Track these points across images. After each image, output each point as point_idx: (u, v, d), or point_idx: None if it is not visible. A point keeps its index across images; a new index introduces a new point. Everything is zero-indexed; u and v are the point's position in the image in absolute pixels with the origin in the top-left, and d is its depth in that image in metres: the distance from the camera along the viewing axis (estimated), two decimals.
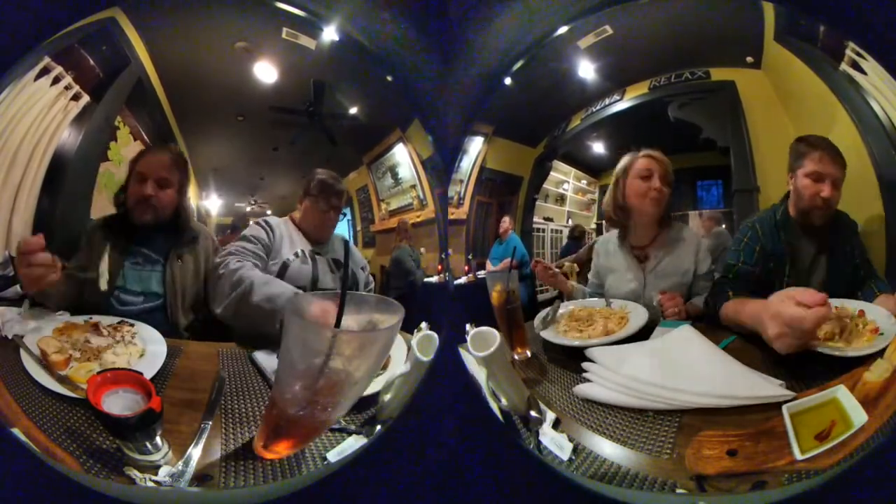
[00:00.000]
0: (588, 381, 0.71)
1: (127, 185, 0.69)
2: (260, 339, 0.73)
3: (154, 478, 0.61)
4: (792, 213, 0.70)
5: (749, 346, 0.68)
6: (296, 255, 0.76)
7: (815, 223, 0.69)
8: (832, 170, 0.67)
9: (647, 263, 0.78)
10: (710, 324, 0.73)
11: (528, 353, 0.79)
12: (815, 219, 0.69)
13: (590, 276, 0.82)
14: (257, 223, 0.75)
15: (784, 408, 0.62)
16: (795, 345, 0.63)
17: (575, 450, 0.67)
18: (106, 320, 0.69)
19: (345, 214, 0.79)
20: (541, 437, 0.70)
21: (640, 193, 0.76)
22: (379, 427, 0.71)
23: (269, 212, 0.77)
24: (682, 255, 0.76)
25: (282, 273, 0.75)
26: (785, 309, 0.63)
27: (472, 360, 0.73)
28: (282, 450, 0.64)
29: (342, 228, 0.80)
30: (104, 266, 0.69)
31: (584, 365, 0.73)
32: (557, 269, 0.81)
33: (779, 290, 0.67)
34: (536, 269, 0.81)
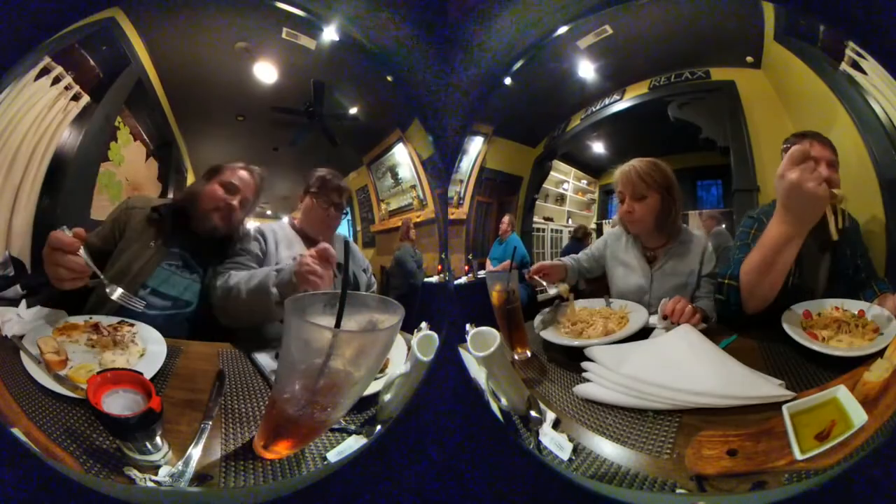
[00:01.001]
0: (588, 380, 0.71)
1: (200, 185, 0.69)
2: (260, 339, 0.73)
3: (154, 478, 0.61)
4: None
5: (749, 347, 0.68)
6: (293, 259, 0.76)
7: None
8: (824, 152, 0.66)
9: (655, 263, 0.78)
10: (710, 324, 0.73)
11: (528, 353, 0.79)
12: None
13: (590, 250, 0.81)
14: (252, 235, 0.75)
15: (784, 408, 0.62)
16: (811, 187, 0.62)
17: (575, 450, 0.67)
18: (106, 320, 0.69)
19: (346, 213, 0.79)
20: (541, 437, 0.70)
21: (623, 217, 0.77)
22: (379, 427, 0.71)
23: (269, 212, 0.77)
24: (688, 257, 0.76)
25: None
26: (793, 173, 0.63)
27: (472, 360, 0.73)
28: (282, 450, 0.64)
29: (342, 229, 0.80)
30: (138, 258, 0.68)
31: (584, 365, 0.73)
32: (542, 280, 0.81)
33: (782, 290, 0.67)
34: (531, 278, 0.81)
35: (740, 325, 0.71)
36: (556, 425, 0.70)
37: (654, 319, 0.74)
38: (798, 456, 0.59)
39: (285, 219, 0.78)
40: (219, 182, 0.69)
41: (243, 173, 0.70)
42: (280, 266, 0.72)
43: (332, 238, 0.79)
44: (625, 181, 0.76)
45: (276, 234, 0.77)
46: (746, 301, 0.69)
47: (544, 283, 0.80)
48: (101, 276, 0.64)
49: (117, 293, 0.65)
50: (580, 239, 0.82)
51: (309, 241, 0.78)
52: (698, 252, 0.76)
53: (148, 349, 0.69)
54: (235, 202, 0.70)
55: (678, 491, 0.61)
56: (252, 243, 0.75)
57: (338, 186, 0.77)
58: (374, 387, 0.68)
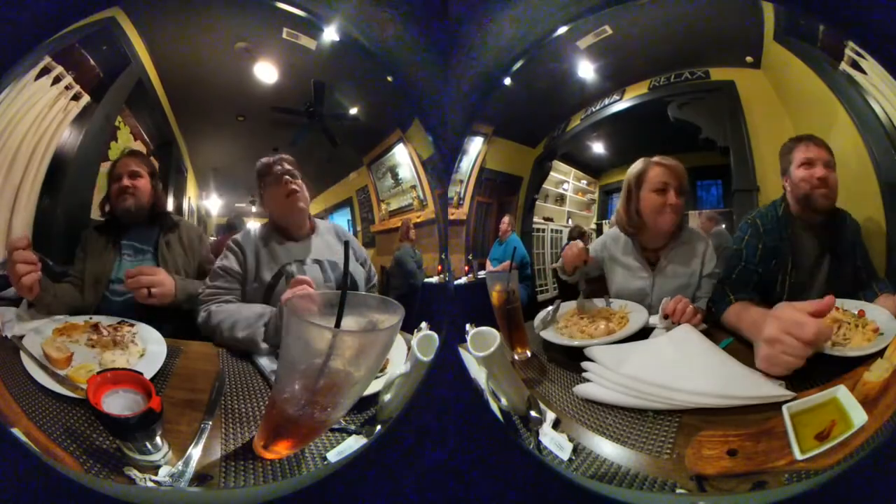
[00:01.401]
0: (588, 380, 0.71)
1: (109, 193, 0.71)
2: None
3: (154, 478, 0.61)
4: (793, 208, 0.69)
5: (749, 346, 0.68)
6: (277, 273, 0.75)
7: (818, 209, 0.68)
8: (821, 153, 0.67)
9: (657, 265, 0.77)
10: (711, 324, 0.73)
11: (528, 353, 0.79)
12: (817, 205, 0.68)
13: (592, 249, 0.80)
14: (227, 247, 0.74)
15: (784, 408, 0.62)
16: (785, 360, 0.63)
17: (575, 450, 0.67)
18: (106, 320, 0.69)
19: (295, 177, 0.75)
20: (541, 437, 0.70)
21: (657, 209, 0.75)
22: (379, 427, 0.71)
23: (254, 210, 0.76)
24: (690, 258, 0.76)
25: (270, 289, 0.75)
26: (786, 313, 0.63)
27: (472, 360, 0.73)
28: (282, 450, 0.64)
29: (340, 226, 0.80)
30: (98, 262, 0.71)
31: (584, 364, 0.73)
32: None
33: (781, 290, 0.68)
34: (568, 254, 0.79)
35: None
36: (556, 425, 0.70)
37: (654, 319, 0.74)
38: (798, 456, 0.59)
39: (257, 224, 0.76)
40: (113, 181, 0.71)
41: (119, 162, 0.72)
42: (264, 316, 0.72)
43: (316, 228, 0.78)
44: (678, 174, 0.74)
45: (254, 243, 0.75)
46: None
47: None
48: (50, 263, 0.68)
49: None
50: (575, 239, 0.81)
51: (284, 234, 0.76)
52: (700, 252, 0.75)
53: (148, 349, 0.69)
54: (126, 182, 0.71)
55: (678, 491, 0.61)
56: (230, 258, 0.74)
57: (275, 160, 0.73)
58: (374, 387, 0.68)
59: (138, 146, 0.71)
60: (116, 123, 0.70)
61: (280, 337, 0.64)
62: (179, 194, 0.73)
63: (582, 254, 0.79)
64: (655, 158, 0.74)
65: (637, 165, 0.75)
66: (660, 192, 0.74)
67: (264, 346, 0.71)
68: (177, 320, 0.72)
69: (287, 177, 0.74)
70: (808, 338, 0.62)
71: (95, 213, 0.71)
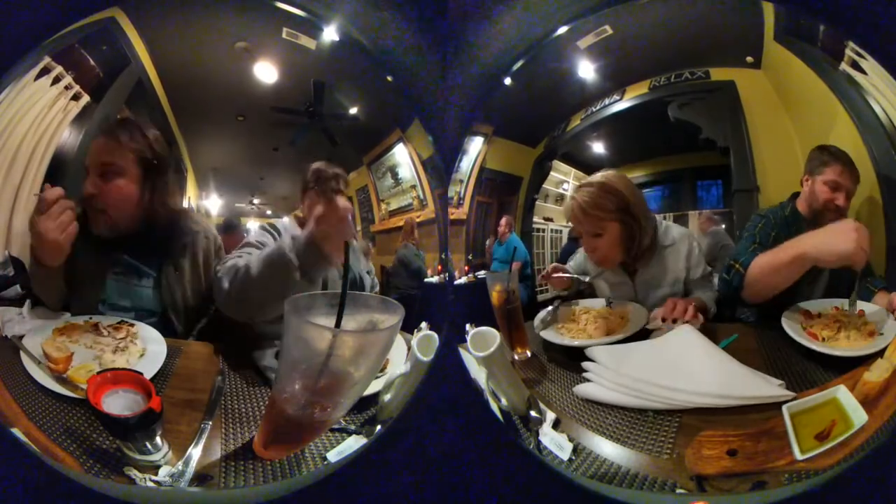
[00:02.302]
0: (588, 380, 0.71)
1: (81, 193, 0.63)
2: (260, 339, 0.73)
3: (154, 478, 0.61)
4: (802, 210, 0.70)
5: (749, 346, 0.68)
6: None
7: (824, 223, 0.69)
8: (849, 183, 0.68)
9: (636, 275, 0.77)
10: (710, 324, 0.73)
11: (528, 353, 0.79)
12: (824, 223, 0.68)
13: (572, 264, 0.81)
14: (263, 227, 0.72)
15: (784, 408, 0.62)
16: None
17: (575, 450, 0.67)
18: (106, 320, 0.69)
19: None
20: (541, 437, 0.70)
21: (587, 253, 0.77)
22: (379, 427, 0.71)
23: (269, 212, 0.77)
24: (670, 265, 0.76)
25: None
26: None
27: (472, 360, 0.73)
28: (282, 450, 0.64)
29: None
30: (87, 281, 0.66)
31: (584, 364, 0.73)
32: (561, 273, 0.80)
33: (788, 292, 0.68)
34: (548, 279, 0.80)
35: (735, 310, 0.73)
36: (556, 425, 0.70)
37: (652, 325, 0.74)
38: (798, 456, 0.59)
39: (287, 218, 0.76)
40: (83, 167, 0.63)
41: (104, 142, 0.63)
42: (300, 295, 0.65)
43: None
44: (573, 219, 0.74)
45: (286, 228, 0.74)
46: (747, 290, 0.70)
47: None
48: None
49: None
50: (576, 239, 0.82)
51: None
52: (681, 258, 0.75)
53: (148, 349, 0.69)
54: (90, 188, 0.60)
55: (678, 491, 0.61)
56: (265, 236, 0.71)
57: (335, 174, 0.75)
58: (374, 387, 0.68)
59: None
60: None
61: (311, 254, 0.63)
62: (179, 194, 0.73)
63: (564, 282, 0.79)
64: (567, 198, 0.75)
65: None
66: (579, 238, 0.76)
67: (292, 257, 0.63)
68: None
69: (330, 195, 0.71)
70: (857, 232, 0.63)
71: None
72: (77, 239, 0.59)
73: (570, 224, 0.77)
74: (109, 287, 0.65)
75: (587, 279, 0.79)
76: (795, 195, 0.70)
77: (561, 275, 0.79)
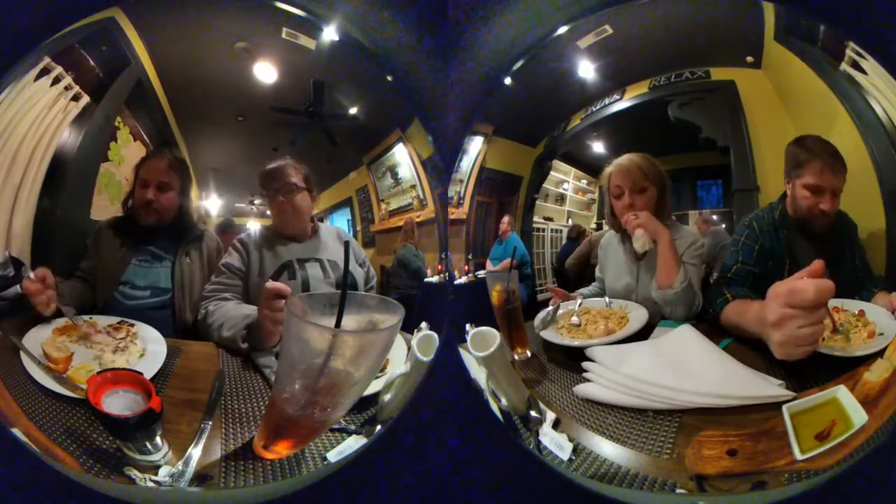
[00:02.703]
0: (588, 380, 0.71)
1: (133, 191, 0.71)
2: None
3: (154, 478, 0.61)
4: (790, 213, 0.69)
5: (749, 346, 0.68)
6: (281, 267, 0.76)
7: (814, 230, 0.68)
8: (833, 180, 0.65)
9: (642, 261, 0.77)
10: (711, 324, 0.73)
11: (528, 353, 0.79)
12: (813, 227, 0.68)
13: (596, 271, 0.82)
14: (233, 245, 0.75)
15: (784, 408, 0.62)
16: (802, 333, 0.58)
17: (575, 450, 0.67)
18: (106, 320, 0.69)
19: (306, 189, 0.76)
20: (541, 437, 0.70)
21: (620, 213, 0.77)
22: (379, 427, 0.71)
23: (268, 212, 0.76)
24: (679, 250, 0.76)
25: None
26: (780, 289, 0.59)
27: (472, 360, 0.73)
28: (282, 450, 0.64)
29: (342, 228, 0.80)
30: (110, 261, 0.71)
31: (585, 364, 0.73)
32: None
33: None
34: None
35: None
36: (556, 425, 0.70)
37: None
38: (798, 456, 0.59)
39: (258, 225, 0.76)
40: (139, 183, 0.71)
41: (151, 163, 0.71)
42: (249, 317, 0.72)
43: (318, 232, 0.78)
44: (625, 174, 0.75)
45: (257, 243, 0.76)
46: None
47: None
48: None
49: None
50: (575, 239, 0.82)
51: (284, 239, 0.77)
52: (683, 246, 0.75)
53: (148, 349, 0.69)
54: (150, 195, 0.71)
55: (678, 491, 0.61)
56: (234, 255, 0.75)
57: (268, 172, 0.74)
58: (374, 387, 0.68)
59: (138, 147, 0.71)
60: (116, 124, 0.70)
61: (260, 338, 0.69)
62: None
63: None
64: (614, 162, 0.75)
65: (605, 170, 0.77)
66: (616, 197, 0.76)
67: (244, 346, 0.71)
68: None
69: (283, 196, 0.75)
70: (811, 298, 0.57)
71: (96, 214, 0.70)
72: (110, 228, 0.71)
73: (611, 181, 0.76)
74: (131, 271, 0.72)
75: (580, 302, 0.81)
76: (786, 195, 0.70)
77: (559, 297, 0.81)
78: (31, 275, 0.67)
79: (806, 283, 0.58)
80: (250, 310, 0.73)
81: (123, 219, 0.71)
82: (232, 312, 0.73)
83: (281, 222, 0.76)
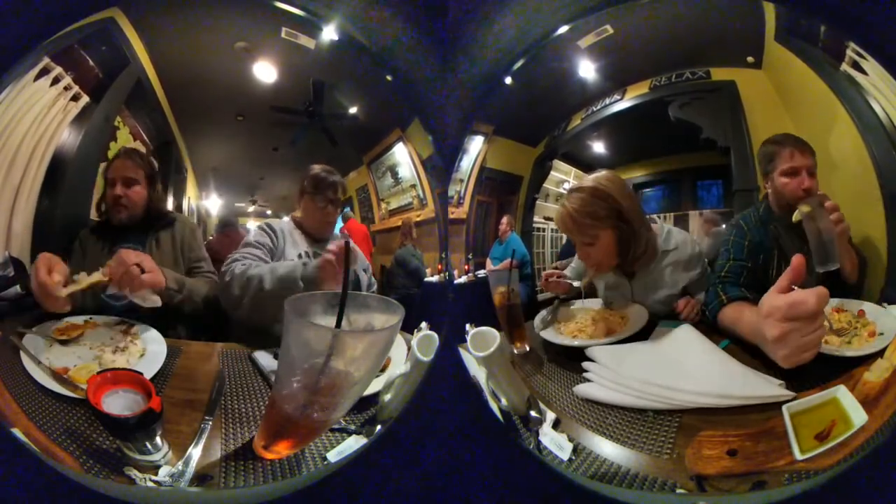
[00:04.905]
0: (588, 380, 0.71)
1: (104, 193, 0.71)
2: (261, 339, 0.73)
3: (154, 478, 0.61)
4: (774, 208, 0.70)
5: (749, 347, 0.68)
6: (299, 256, 0.76)
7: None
8: (804, 160, 0.66)
9: (634, 277, 0.77)
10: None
11: (527, 347, 0.79)
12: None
13: (573, 266, 0.81)
14: (261, 228, 0.76)
15: (784, 408, 0.62)
16: (806, 341, 0.59)
17: (575, 450, 0.67)
18: (105, 320, 0.69)
19: (343, 208, 0.79)
20: (541, 437, 0.70)
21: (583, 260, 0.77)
22: (379, 427, 0.71)
23: (268, 212, 0.77)
24: (671, 269, 0.75)
25: None
26: (776, 302, 0.59)
27: (472, 360, 0.73)
28: (282, 450, 0.64)
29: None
30: (94, 266, 0.70)
31: (585, 364, 0.73)
32: (559, 277, 0.79)
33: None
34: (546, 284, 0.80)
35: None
36: (556, 425, 0.70)
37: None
38: (798, 456, 0.59)
39: (286, 217, 0.78)
40: (108, 184, 0.72)
41: (115, 163, 0.72)
42: (304, 261, 0.74)
43: (333, 235, 0.79)
44: (563, 229, 0.74)
45: (283, 230, 0.77)
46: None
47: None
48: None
49: None
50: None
51: (311, 238, 0.78)
52: (682, 262, 0.74)
53: (148, 349, 0.69)
54: (118, 191, 0.72)
55: (678, 491, 0.61)
56: (264, 237, 0.76)
57: (332, 183, 0.77)
58: (374, 387, 0.68)
59: (138, 146, 0.71)
60: (116, 124, 0.70)
61: (313, 284, 0.70)
62: (179, 194, 0.73)
63: (562, 286, 0.79)
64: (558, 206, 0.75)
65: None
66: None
67: (301, 284, 0.71)
68: (185, 321, 0.73)
69: (332, 207, 0.78)
70: (813, 309, 0.58)
71: (94, 214, 0.71)
72: (90, 233, 0.72)
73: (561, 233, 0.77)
74: None
75: (578, 284, 0.78)
76: (767, 196, 0.70)
77: (557, 279, 0.79)
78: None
79: (806, 294, 0.58)
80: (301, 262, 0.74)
81: (100, 223, 0.71)
82: (279, 264, 0.74)
83: (315, 224, 0.79)
